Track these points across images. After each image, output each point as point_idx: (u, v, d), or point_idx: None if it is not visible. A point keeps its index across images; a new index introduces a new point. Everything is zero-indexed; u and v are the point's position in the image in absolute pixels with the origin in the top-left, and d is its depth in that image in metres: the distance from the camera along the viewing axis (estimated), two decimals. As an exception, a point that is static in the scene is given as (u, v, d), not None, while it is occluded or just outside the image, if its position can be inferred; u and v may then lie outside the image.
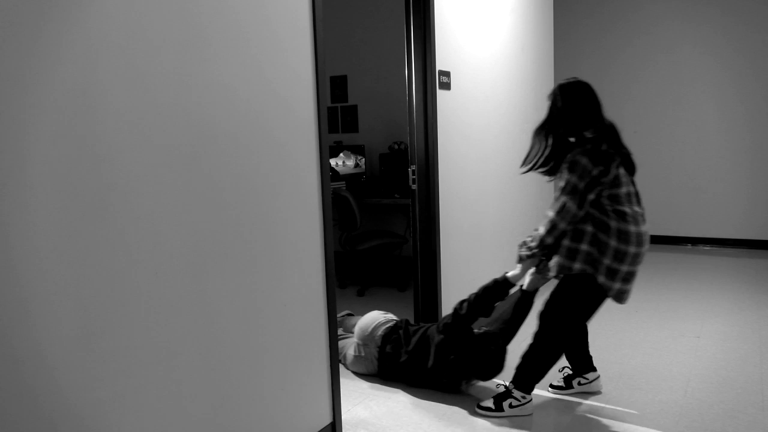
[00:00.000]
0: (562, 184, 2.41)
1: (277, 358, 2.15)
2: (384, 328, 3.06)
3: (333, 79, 5.85)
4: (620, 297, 2.49)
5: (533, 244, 2.54)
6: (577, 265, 2.43)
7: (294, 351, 2.23)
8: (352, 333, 3.24)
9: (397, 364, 2.96)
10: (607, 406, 2.72)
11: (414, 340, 2.94)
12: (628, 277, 2.46)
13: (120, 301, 1.57)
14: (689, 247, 6.23)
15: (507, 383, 2.69)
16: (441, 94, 3.23)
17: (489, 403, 2.66)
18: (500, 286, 2.73)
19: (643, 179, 6.57)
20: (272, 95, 2.07)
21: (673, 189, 6.30)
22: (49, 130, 1.39)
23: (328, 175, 2.38)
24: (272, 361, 2.12)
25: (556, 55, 6.58)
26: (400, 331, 3.02)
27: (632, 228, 2.40)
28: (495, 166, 3.96)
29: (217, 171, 1.86)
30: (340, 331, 3.35)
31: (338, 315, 3.51)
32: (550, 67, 5.08)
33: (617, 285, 2.44)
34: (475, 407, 2.70)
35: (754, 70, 5.86)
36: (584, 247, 2.43)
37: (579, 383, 2.85)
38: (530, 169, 2.64)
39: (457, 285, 3.49)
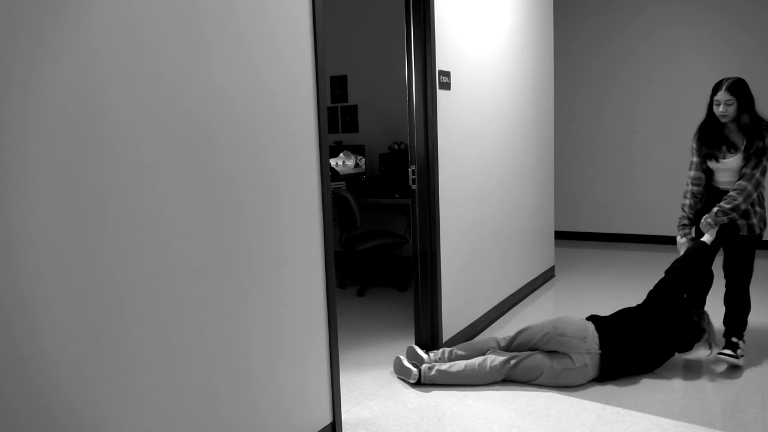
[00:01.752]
0: (755, 164, 3.02)
1: (277, 358, 2.15)
2: (593, 328, 2.95)
3: (333, 79, 5.85)
4: None
5: (726, 211, 3.06)
6: (758, 223, 3.14)
7: (294, 351, 2.23)
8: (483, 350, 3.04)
9: (626, 357, 2.95)
10: (607, 406, 2.72)
11: (628, 328, 2.98)
12: None
13: (120, 301, 1.57)
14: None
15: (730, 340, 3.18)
16: (441, 94, 3.23)
17: (730, 351, 3.13)
18: (704, 250, 3.15)
19: (644, 179, 6.61)
20: (272, 95, 2.07)
21: (673, 189, 6.31)
22: (50, 129, 1.39)
23: (328, 175, 2.38)
24: (272, 361, 2.12)
25: (559, 60, 6.59)
26: (606, 326, 2.98)
27: None
28: (495, 166, 3.96)
29: (217, 171, 1.86)
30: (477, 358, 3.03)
31: (442, 351, 3.12)
32: (550, 67, 5.08)
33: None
34: (717, 355, 3.14)
35: (751, 72, 5.87)
36: (759, 210, 3.15)
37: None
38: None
39: (457, 285, 3.50)
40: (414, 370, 2.98)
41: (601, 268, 5.48)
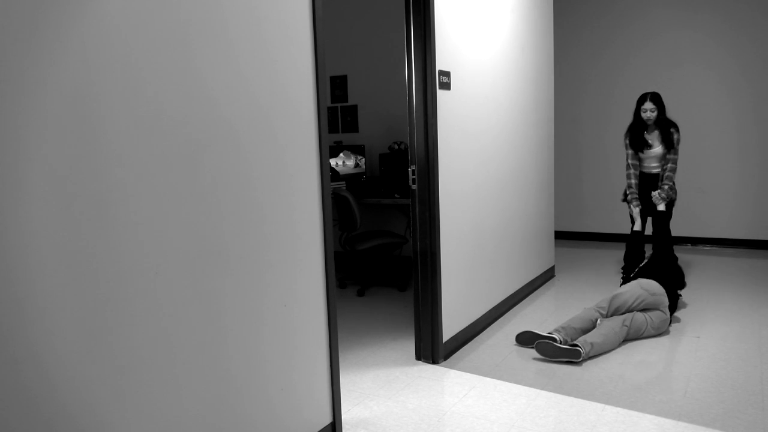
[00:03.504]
0: (675, 151, 4.33)
1: (277, 358, 2.15)
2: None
3: (333, 79, 5.85)
4: None
5: (671, 186, 4.35)
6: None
7: (294, 351, 2.23)
8: (599, 315, 3.55)
9: (675, 301, 3.81)
10: (607, 406, 2.72)
11: (663, 279, 3.78)
12: None
13: (120, 302, 1.57)
14: (689, 247, 6.23)
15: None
16: (441, 94, 3.23)
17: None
18: (668, 215, 4.37)
19: (643, 179, 6.53)
20: (272, 95, 2.08)
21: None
22: (49, 130, 1.39)
23: (328, 175, 2.38)
24: (272, 361, 2.12)
25: (559, 60, 6.59)
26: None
27: None
28: (495, 166, 3.96)
29: (217, 171, 1.86)
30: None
31: (558, 330, 3.42)
32: (550, 67, 5.08)
33: None
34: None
35: (751, 74, 5.87)
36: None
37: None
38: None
39: (457, 285, 3.49)
40: (580, 349, 3.19)
41: (601, 268, 5.48)
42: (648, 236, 4.48)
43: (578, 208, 6.92)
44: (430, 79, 3.13)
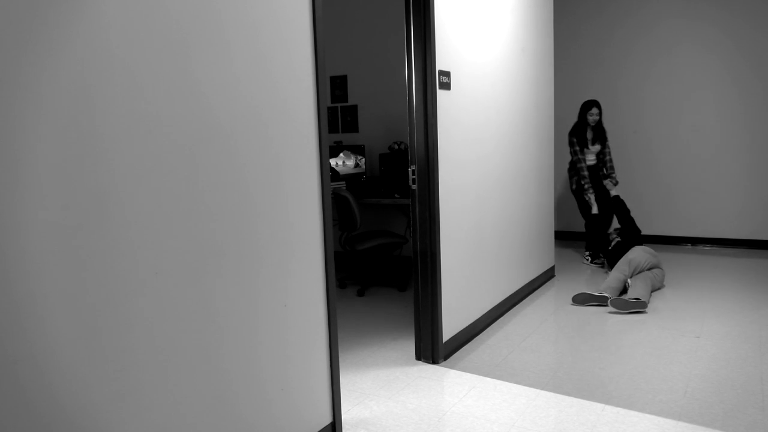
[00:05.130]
0: (609, 147, 5.53)
1: (277, 358, 2.15)
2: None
3: (333, 79, 5.85)
4: None
5: (615, 176, 5.50)
6: None
7: (294, 351, 2.23)
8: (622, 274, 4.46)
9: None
10: (607, 406, 2.72)
11: (638, 243, 4.94)
12: None
13: (120, 302, 1.57)
14: (689, 247, 6.23)
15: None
16: (441, 94, 3.23)
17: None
18: (619, 198, 5.40)
19: (643, 179, 6.60)
20: (272, 95, 2.08)
21: (673, 189, 6.31)
22: (49, 130, 1.39)
23: (328, 175, 2.38)
24: (272, 361, 2.12)
25: (559, 59, 6.59)
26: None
27: None
28: (495, 166, 3.95)
29: (217, 171, 1.86)
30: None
31: (605, 291, 4.32)
32: (550, 67, 5.08)
33: None
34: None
35: (753, 70, 5.87)
36: None
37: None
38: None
39: (457, 285, 3.50)
40: (645, 301, 4.10)
41: (600, 267, 5.48)
42: (606, 217, 5.47)
43: (578, 208, 6.91)
44: (430, 79, 3.13)
